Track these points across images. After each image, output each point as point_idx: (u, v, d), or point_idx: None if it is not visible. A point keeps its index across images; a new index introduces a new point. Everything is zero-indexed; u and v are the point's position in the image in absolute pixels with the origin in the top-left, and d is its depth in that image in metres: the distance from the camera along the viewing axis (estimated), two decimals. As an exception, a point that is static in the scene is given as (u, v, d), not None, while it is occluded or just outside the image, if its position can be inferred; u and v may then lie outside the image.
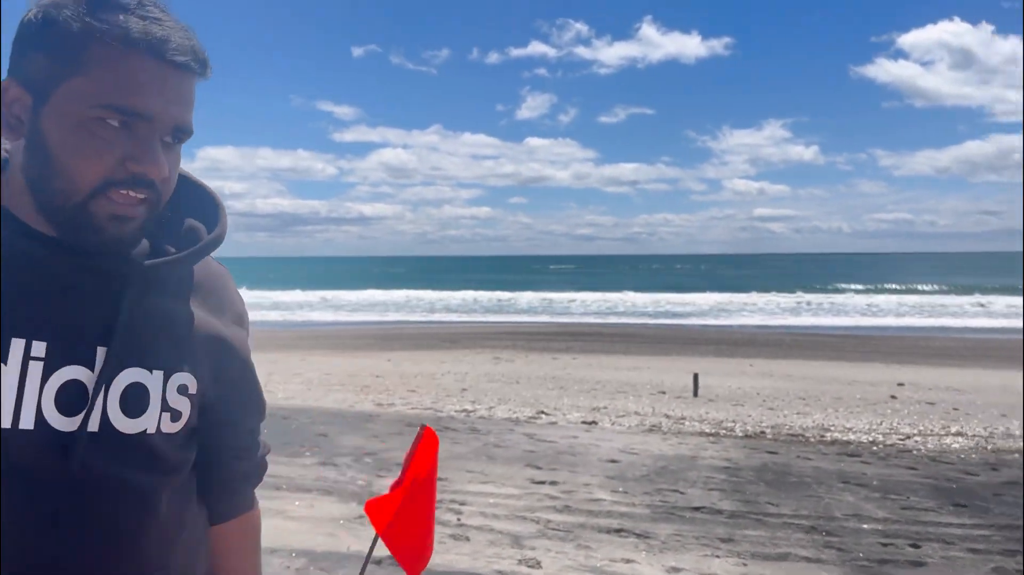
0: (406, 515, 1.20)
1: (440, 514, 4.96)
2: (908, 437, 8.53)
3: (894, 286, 50.69)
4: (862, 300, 39.27)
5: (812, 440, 8.34)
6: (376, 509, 1.20)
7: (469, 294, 41.74)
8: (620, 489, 5.80)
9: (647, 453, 7.41)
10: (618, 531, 4.61)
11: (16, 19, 0.91)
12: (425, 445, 1.20)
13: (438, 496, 5.42)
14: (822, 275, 70.67)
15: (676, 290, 39.91)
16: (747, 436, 8.55)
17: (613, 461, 6.95)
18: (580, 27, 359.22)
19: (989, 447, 8.06)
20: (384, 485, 5.83)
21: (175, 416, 0.98)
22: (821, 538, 4.55)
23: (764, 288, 47.29)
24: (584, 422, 9.38)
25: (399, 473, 1.22)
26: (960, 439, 8.49)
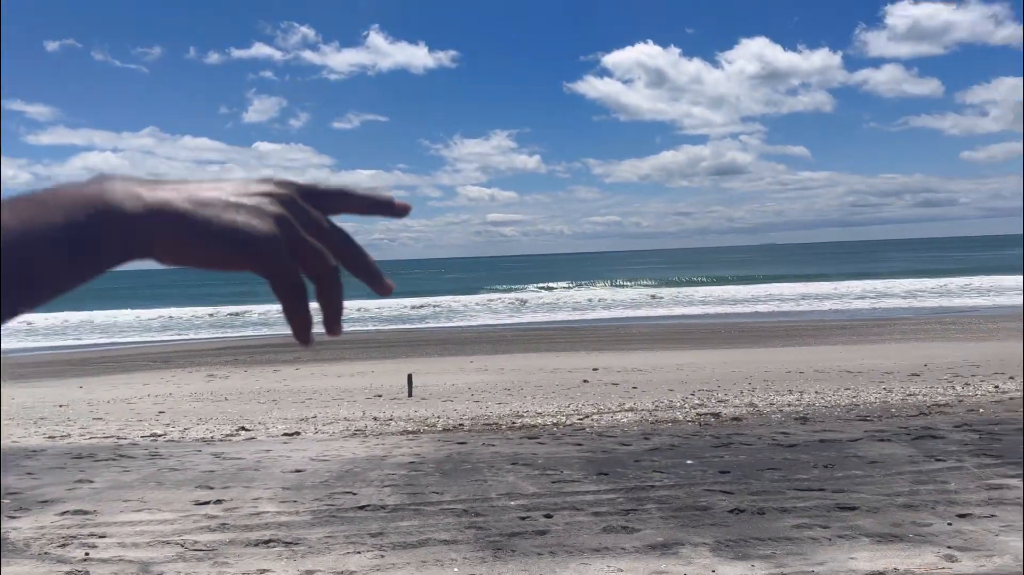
0: None
1: (67, 552, 4.46)
2: (587, 416, 9.34)
3: (604, 282, 56.86)
4: (577, 295, 43.27)
5: (503, 427, 8.81)
6: None
7: (191, 310, 38.75)
8: (291, 499, 5.65)
9: (338, 458, 7.33)
10: (267, 542, 4.47)
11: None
12: None
13: (73, 533, 4.89)
14: (544, 275, 77.09)
15: (411, 295, 40.50)
16: (446, 430, 8.82)
17: (298, 471, 6.78)
18: (307, 31, 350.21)
19: (651, 419, 9.07)
20: (14, 526, 5.13)
21: None
22: (467, 519, 4.78)
23: (492, 288, 50.42)
24: (287, 434, 9.08)
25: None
26: (630, 414, 9.47)
